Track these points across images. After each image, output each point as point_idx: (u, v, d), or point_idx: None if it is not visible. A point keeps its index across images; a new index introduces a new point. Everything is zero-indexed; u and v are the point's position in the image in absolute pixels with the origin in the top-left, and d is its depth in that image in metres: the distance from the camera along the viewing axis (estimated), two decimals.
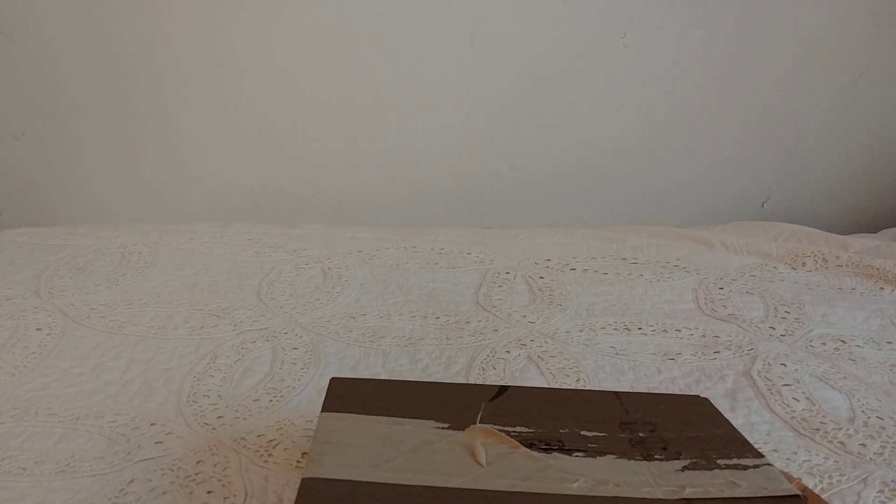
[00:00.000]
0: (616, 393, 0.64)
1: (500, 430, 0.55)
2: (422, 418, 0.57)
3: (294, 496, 0.46)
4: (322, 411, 0.57)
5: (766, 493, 0.50)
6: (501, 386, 0.63)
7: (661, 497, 0.49)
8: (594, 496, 0.49)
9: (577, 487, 0.49)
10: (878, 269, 1.07)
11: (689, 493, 0.50)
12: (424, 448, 0.53)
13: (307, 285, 1.01)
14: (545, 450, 0.53)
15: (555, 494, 0.49)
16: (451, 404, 0.59)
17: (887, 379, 0.82)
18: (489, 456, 0.52)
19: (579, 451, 0.54)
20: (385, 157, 1.42)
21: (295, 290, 0.99)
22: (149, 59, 1.34)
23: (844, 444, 0.70)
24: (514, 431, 0.55)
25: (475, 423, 0.56)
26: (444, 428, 0.56)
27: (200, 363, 0.81)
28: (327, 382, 0.62)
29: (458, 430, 0.55)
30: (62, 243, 1.10)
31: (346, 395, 0.59)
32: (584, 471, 0.51)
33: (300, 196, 1.43)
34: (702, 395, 0.65)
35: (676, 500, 0.49)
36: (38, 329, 0.87)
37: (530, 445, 0.54)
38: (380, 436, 0.54)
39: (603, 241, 1.18)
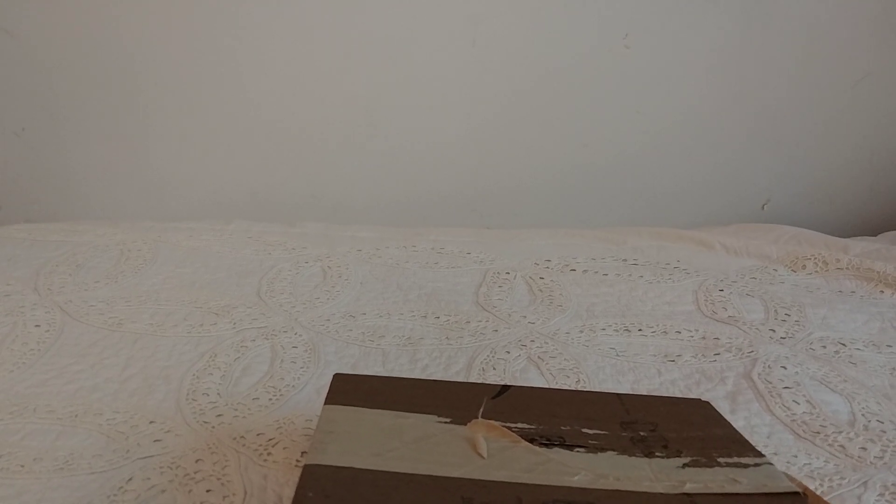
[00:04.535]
0: (617, 394, 0.64)
1: (501, 426, 0.55)
2: (424, 413, 0.57)
3: (293, 495, 0.46)
4: (325, 404, 0.57)
5: (766, 490, 0.50)
6: (503, 385, 0.63)
7: (662, 491, 0.49)
8: (595, 489, 0.49)
9: (577, 480, 0.50)
10: (878, 272, 1.07)
11: (689, 488, 0.49)
12: (426, 440, 0.53)
13: (307, 284, 1.01)
14: (546, 445, 0.54)
15: (556, 486, 0.49)
16: (453, 400, 0.59)
17: (887, 382, 0.82)
18: (490, 449, 0.52)
19: (580, 446, 0.54)
20: (385, 157, 1.42)
21: (295, 288, 0.99)
22: (149, 59, 1.33)
23: (845, 448, 0.70)
24: (516, 427, 0.55)
25: (477, 418, 0.56)
26: (446, 422, 0.56)
27: (200, 361, 0.81)
28: (327, 381, 0.62)
29: (460, 424, 0.55)
30: (61, 240, 1.10)
31: (349, 391, 0.59)
32: (584, 465, 0.51)
33: (300, 195, 1.43)
34: (702, 398, 0.65)
35: (677, 494, 0.49)
36: (36, 326, 0.86)
37: (531, 440, 0.54)
38: (382, 427, 0.54)
39: (603, 242, 1.18)
